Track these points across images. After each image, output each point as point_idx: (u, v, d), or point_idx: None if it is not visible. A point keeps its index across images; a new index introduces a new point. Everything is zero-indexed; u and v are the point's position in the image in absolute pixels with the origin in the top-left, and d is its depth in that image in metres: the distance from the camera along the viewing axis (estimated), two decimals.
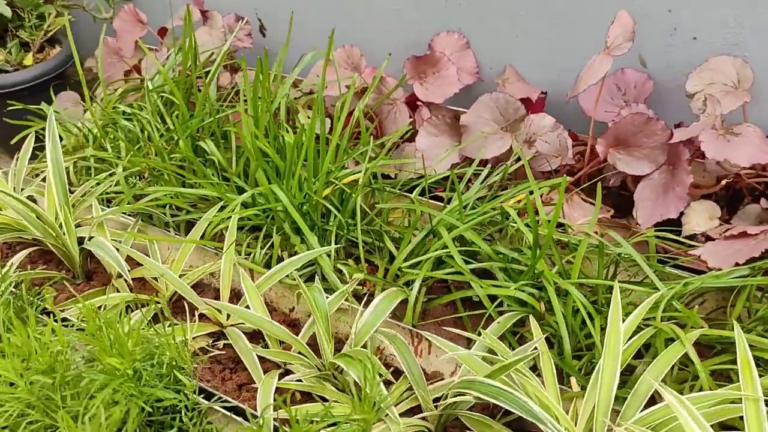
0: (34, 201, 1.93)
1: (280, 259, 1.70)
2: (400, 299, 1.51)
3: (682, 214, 1.56)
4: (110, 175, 1.90)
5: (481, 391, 1.08)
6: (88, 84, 2.78)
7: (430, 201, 1.74)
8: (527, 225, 1.50)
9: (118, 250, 1.64)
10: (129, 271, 1.69)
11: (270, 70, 2.30)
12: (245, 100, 2.05)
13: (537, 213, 1.53)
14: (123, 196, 1.86)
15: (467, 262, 1.56)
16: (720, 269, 1.38)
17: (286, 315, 1.66)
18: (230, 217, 1.66)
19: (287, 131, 1.81)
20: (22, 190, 1.92)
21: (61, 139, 1.92)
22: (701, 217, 1.56)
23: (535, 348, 1.31)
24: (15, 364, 1.09)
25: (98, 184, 1.87)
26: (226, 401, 1.32)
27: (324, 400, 1.39)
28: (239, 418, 1.29)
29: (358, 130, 1.89)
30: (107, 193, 1.88)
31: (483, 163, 1.85)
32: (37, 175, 2.03)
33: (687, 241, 1.52)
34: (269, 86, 1.89)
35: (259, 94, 1.85)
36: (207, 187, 1.78)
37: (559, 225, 1.65)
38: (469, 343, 1.43)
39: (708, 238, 1.47)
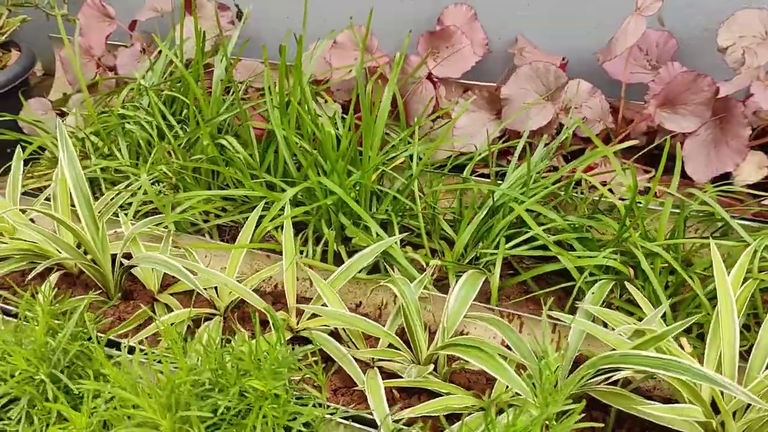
0: (32, 221, 1.76)
1: (337, 255, 1.62)
2: (481, 281, 1.47)
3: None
4: (127, 185, 1.75)
5: (641, 363, 1.06)
6: (46, 89, 2.57)
7: (479, 179, 1.71)
8: (610, 191, 1.49)
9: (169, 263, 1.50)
10: (165, 286, 1.58)
11: (259, 58, 2.19)
12: (261, 93, 1.94)
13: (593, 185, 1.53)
14: (144, 207, 1.72)
15: (533, 239, 1.54)
16: None
17: (353, 311, 1.58)
18: (274, 217, 1.56)
19: (316, 122, 1.72)
20: (23, 211, 1.74)
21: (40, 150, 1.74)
22: (752, 168, 1.60)
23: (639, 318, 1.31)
24: (151, 403, 0.98)
25: (118, 194, 1.71)
26: (336, 409, 1.24)
27: (432, 394, 1.34)
28: (364, 427, 1.22)
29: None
30: (122, 206, 1.73)
31: (516, 135, 1.83)
32: (25, 193, 1.84)
33: (747, 191, 1.56)
34: (288, 76, 1.79)
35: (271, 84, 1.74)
36: (247, 188, 1.67)
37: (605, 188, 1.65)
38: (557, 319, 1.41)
39: None
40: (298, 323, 1.49)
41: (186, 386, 1.04)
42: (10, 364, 1.17)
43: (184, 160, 1.74)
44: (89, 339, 1.29)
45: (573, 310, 1.42)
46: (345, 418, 1.23)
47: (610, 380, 1.20)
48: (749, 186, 1.60)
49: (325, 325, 1.46)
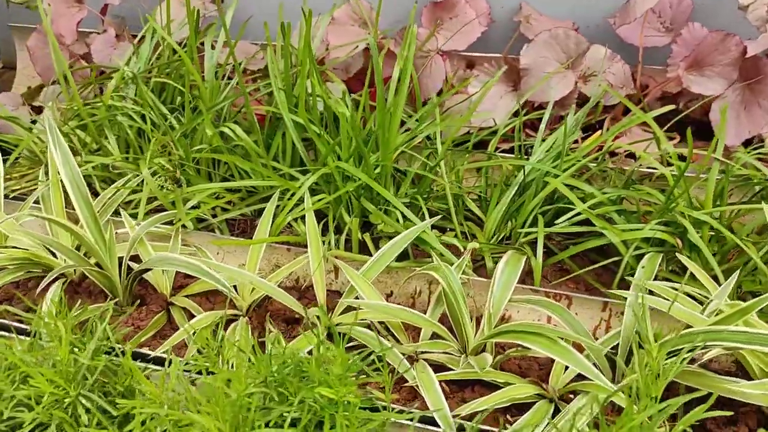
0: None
1: (362, 244, 1.52)
2: (523, 262, 1.39)
3: None
4: (126, 182, 1.62)
5: (734, 339, 1.00)
6: (6, 83, 2.39)
7: (503, 155, 1.63)
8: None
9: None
10: (177, 288, 1.46)
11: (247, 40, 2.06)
12: (255, 77, 1.82)
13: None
14: (145, 205, 1.59)
15: (562, 212, 1.47)
16: None
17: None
18: (292, 207, 1.46)
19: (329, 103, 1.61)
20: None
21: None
22: None
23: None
24: (215, 423, 0.87)
25: (116, 192, 1.58)
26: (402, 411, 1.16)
27: (485, 385, 1.26)
28: (427, 426, 1.13)
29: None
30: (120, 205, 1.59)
31: (531, 106, 1.75)
32: (7, 197, 1.69)
33: None
34: (291, 57, 1.67)
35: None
36: (257, 177, 1.55)
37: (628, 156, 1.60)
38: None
39: None
40: (330, 318, 1.40)
41: (254, 399, 0.93)
42: (34, 387, 1.04)
43: (186, 152, 1.61)
44: (111, 352, 1.17)
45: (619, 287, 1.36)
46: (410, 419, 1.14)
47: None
48: None
49: (362, 319, 1.36)
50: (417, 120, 1.61)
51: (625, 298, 1.29)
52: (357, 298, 1.37)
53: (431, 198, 1.58)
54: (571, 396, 1.21)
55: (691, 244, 1.36)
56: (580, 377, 1.23)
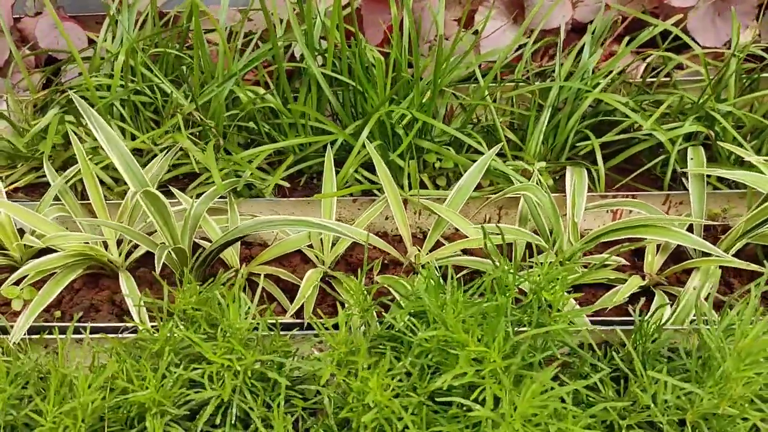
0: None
1: (421, 184, 1.54)
2: (585, 173, 1.49)
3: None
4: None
5: None
6: None
7: (526, 82, 1.70)
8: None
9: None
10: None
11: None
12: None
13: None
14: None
15: (596, 128, 1.59)
16: None
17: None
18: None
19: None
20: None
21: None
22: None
23: None
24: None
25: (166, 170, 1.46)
26: None
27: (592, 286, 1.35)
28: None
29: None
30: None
31: (528, 36, 1.84)
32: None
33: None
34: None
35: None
36: (302, 136, 1.51)
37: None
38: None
39: None
40: (415, 260, 1.41)
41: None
42: (209, 364, 0.98)
43: (219, 119, 1.52)
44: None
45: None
46: None
47: None
48: None
49: (455, 253, 1.39)
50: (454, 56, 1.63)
51: (685, 189, 1.43)
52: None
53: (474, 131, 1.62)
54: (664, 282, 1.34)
55: (721, 136, 1.53)
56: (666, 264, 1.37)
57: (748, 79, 1.64)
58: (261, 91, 1.59)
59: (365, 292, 1.10)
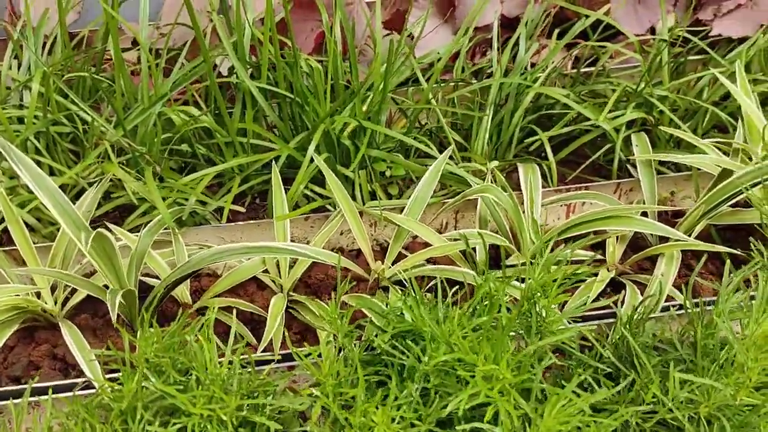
0: None
1: (372, 194, 1.48)
2: (537, 169, 1.48)
3: None
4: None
5: None
6: None
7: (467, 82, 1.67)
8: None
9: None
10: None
11: None
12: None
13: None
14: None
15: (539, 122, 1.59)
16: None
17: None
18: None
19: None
20: None
21: None
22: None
23: None
24: None
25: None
26: None
27: None
28: None
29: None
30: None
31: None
32: None
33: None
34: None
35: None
36: (239, 157, 1.42)
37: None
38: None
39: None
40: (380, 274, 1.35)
41: None
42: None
43: (152, 145, 1.41)
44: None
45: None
46: None
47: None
48: None
49: (420, 263, 1.34)
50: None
51: (631, 176, 1.45)
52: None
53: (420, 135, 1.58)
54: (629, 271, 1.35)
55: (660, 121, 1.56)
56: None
57: (675, 63, 1.68)
58: (193, 111, 1.48)
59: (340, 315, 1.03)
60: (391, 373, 0.97)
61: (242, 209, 1.47)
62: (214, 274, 1.40)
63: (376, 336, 1.02)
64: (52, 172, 1.42)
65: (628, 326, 1.01)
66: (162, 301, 1.25)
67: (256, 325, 1.28)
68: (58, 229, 1.31)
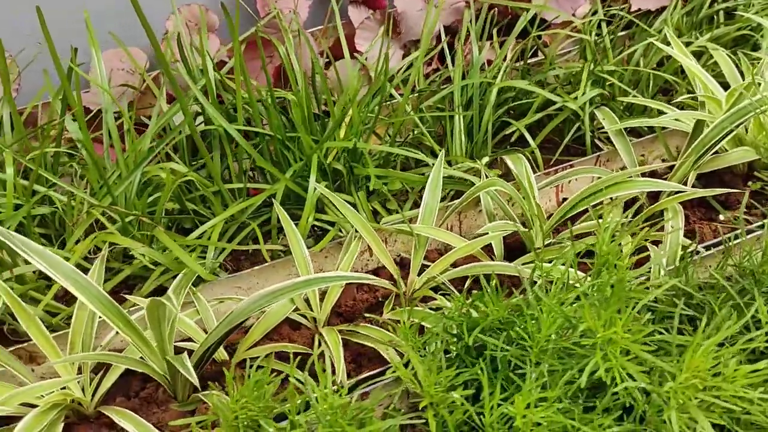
0: None
1: (374, 212, 1.48)
2: (522, 158, 1.53)
3: None
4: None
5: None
6: None
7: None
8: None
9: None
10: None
11: None
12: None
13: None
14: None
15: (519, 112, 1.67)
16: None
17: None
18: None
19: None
20: None
21: None
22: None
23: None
24: None
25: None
26: None
27: None
28: None
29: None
30: None
31: (405, 47, 1.86)
32: None
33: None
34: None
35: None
36: (234, 204, 1.38)
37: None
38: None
39: None
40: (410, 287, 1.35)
41: None
42: None
43: (143, 207, 1.34)
44: None
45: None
46: None
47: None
48: None
49: (447, 269, 1.35)
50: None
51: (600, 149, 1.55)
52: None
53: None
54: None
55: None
56: None
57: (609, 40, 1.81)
58: (174, 165, 1.42)
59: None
60: (484, 366, 0.98)
61: (240, 256, 1.43)
62: (238, 326, 1.34)
63: (456, 337, 1.02)
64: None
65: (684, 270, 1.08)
66: (207, 362, 1.18)
67: (299, 365, 1.24)
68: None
